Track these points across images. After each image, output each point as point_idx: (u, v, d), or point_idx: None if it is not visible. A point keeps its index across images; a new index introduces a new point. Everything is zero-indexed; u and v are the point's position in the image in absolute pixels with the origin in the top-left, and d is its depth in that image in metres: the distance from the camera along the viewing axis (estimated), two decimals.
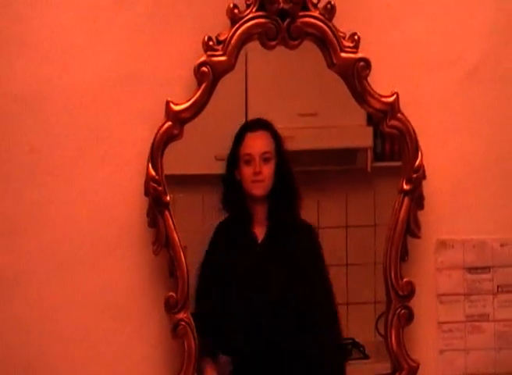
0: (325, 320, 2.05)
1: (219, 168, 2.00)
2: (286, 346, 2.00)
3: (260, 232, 2.02)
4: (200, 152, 2.00)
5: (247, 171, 1.98)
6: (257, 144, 2.01)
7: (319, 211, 2.07)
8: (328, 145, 2.08)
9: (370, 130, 2.03)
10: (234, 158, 1.99)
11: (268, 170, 1.99)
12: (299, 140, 2.05)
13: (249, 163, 1.98)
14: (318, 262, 2.04)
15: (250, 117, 2.02)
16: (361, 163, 2.10)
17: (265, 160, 1.98)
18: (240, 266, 2.03)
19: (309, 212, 2.06)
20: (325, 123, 2.05)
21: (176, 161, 1.86)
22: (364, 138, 2.07)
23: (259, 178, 1.98)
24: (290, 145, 2.03)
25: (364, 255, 2.07)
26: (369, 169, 2.08)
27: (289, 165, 2.02)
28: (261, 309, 2.00)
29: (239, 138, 1.98)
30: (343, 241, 2.08)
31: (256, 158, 1.98)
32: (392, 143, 2.01)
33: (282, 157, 2.00)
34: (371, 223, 2.07)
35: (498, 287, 2.06)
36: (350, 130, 2.09)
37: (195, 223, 2.00)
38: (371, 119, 2.00)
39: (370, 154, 2.08)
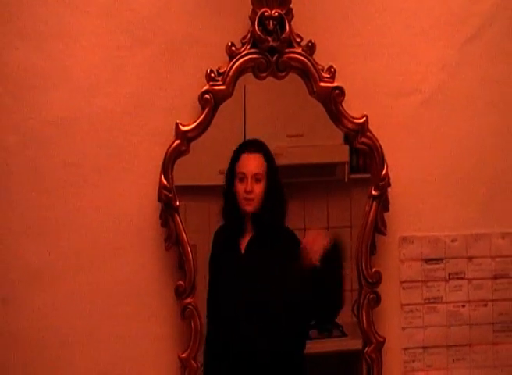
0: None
1: (222, 180, 2.09)
2: (266, 344, 2.04)
3: (245, 242, 2.10)
4: (205, 166, 2.09)
5: (240, 188, 2.06)
6: (251, 165, 2.07)
7: (305, 215, 2.17)
8: (312, 161, 2.20)
9: (346, 147, 2.15)
10: (231, 174, 2.07)
11: (258, 189, 2.05)
12: (288, 157, 2.14)
13: (242, 181, 2.05)
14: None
15: (248, 137, 2.10)
16: (340, 175, 2.20)
17: (257, 180, 2.05)
18: (226, 272, 2.10)
19: (296, 216, 2.16)
20: (309, 142, 2.15)
21: (186, 173, 1.98)
22: (341, 155, 2.17)
23: (250, 196, 2.06)
24: (281, 161, 2.11)
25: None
26: (346, 180, 2.19)
27: (279, 184, 2.08)
28: (243, 309, 2.07)
29: (236, 156, 2.06)
30: None
31: (248, 178, 2.05)
32: (365, 158, 2.11)
33: (273, 177, 2.07)
34: (348, 224, 2.17)
35: (449, 274, 2.20)
36: (330, 148, 2.20)
37: (203, 226, 2.09)
38: (347, 139, 2.12)
39: (347, 167, 2.18)
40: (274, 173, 2.07)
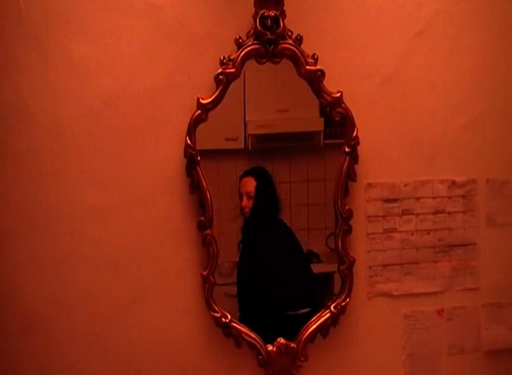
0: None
1: (228, 145, 2.41)
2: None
3: None
4: (215, 134, 2.34)
5: (241, 203, 2.39)
6: (244, 186, 2.40)
7: (291, 172, 2.44)
8: (296, 130, 2.46)
9: (322, 119, 2.42)
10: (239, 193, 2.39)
11: (250, 204, 2.38)
12: (277, 127, 2.41)
13: (241, 198, 2.38)
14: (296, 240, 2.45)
15: (248, 109, 2.39)
16: (317, 141, 2.46)
17: (249, 197, 2.38)
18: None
19: (284, 172, 2.43)
20: (293, 115, 2.40)
21: (204, 139, 2.27)
22: (318, 125, 2.43)
23: (245, 210, 2.39)
24: (271, 130, 2.41)
25: (318, 198, 2.42)
26: (321, 144, 2.45)
27: (268, 196, 2.43)
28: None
29: (239, 181, 2.39)
30: (305, 190, 2.45)
31: (244, 195, 2.38)
32: (336, 128, 2.38)
33: (261, 192, 2.39)
34: (322, 178, 2.44)
35: (402, 211, 2.47)
36: (310, 120, 2.45)
37: (214, 177, 2.35)
38: (322, 113, 2.39)
39: (322, 135, 2.44)
40: (262, 188, 2.39)
